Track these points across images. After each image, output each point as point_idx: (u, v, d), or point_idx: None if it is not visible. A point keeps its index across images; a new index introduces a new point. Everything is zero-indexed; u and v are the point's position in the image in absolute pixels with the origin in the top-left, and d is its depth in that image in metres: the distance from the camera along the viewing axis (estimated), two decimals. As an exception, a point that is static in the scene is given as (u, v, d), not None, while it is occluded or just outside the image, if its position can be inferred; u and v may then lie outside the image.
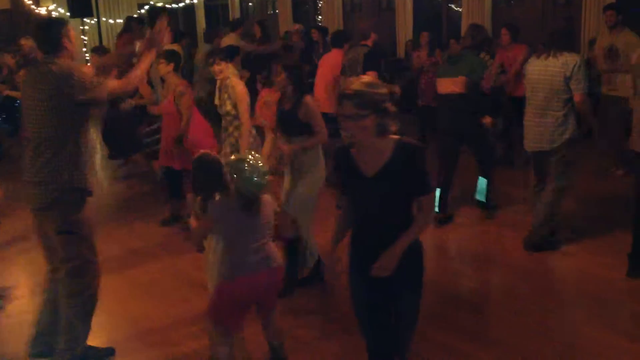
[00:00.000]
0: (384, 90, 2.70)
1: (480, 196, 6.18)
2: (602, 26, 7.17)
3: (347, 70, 7.11)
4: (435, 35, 10.54)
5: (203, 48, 10.13)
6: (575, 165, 5.38)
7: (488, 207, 6.18)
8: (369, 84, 2.69)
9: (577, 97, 4.99)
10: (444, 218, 6.08)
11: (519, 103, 6.13)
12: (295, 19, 14.36)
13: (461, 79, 5.73)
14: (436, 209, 5.89)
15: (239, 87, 5.44)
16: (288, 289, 4.55)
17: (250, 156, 3.43)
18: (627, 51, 6.50)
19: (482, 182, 6.14)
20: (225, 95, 5.48)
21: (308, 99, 4.52)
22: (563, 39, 5.16)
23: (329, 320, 4.37)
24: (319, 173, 4.65)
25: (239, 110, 5.41)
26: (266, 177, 3.41)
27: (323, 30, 9.77)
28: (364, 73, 6.50)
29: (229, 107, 5.47)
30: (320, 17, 13.78)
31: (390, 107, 2.70)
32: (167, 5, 16.24)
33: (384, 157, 2.73)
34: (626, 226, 4.98)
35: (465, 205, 6.42)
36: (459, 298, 4.68)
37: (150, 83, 7.66)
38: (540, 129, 5.12)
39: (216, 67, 5.44)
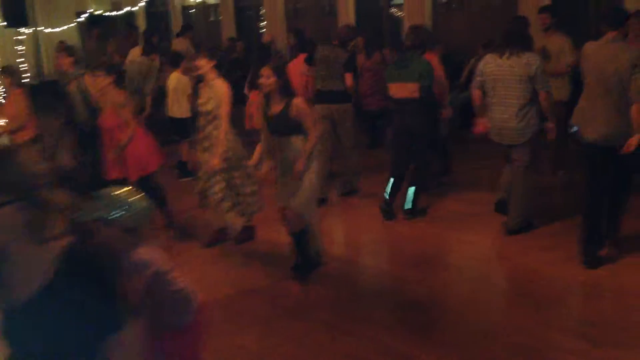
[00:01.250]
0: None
1: (407, 205, 6.27)
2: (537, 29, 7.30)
3: (324, 68, 6.92)
4: (377, 39, 10.66)
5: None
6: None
7: (414, 213, 6.28)
8: None
9: (542, 96, 5.25)
10: (388, 212, 6.29)
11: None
12: (238, 26, 14.27)
13: (414, 85, 5.98)
14: (386, 195, 6.30)
15: (224, 89, 5.45)
16: (304, 275, 5.02)
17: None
18: (559, 54, 6.66)
19: (411, 191, 6.26)
20: (208, 95, 5.47)
21: (298, 99, 4.76)
22: (519, 39, 5.36)
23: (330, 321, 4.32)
24: (317, 165, 4.91)
25: (221, 112, 5.41)
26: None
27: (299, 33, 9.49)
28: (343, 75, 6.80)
29: (210, 107, 5.46)
30: (263, 23, 13.71)
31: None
32: (106, 13, 16.01)
33: None
34: (572, 224, 5.07)
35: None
36: (404, 299, 4.67)
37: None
38: (504, 124, 5.37)
39: (198, 62, 5.51)
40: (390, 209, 6.29)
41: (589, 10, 9.26)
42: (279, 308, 4.61)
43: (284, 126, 4.78)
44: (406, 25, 10.52)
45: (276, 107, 4.78)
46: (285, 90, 4.76)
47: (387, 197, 6.28)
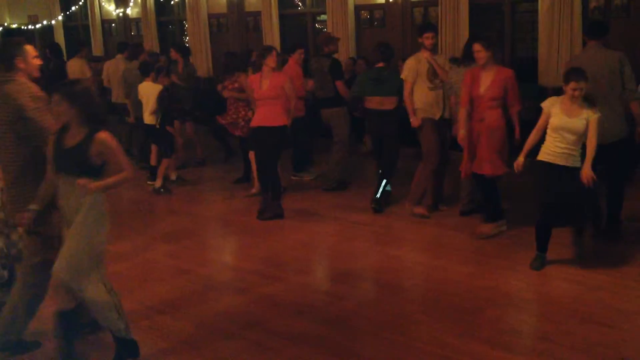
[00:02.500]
0: None
1: (377, 195, 6.90)
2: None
3: (316, 80, 7.83)
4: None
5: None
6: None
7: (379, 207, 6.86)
8: None
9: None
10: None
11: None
12: (161, 41, 14.08)
13: (393, 99, 6.77)
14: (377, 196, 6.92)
15: None
16: None
17: None
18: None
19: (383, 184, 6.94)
20: None
21: (104, 133, 3.79)
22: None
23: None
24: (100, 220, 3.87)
25: None
26: None
27: (183, 50, 9.62)
28: (333, 83, 7.58)
29: None
30: (186, 38, 13.59)
31: None
32: (22, 27, 15.48)
33: None
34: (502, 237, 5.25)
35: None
36: (331, 316, 4.68)
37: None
38: None
39: None
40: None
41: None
42: (206, 329, 4.53)
43: (77, 164, 3.75)
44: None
45: (71, 140, 3.79)
46: (88, 118, 3.80)
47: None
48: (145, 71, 8.09)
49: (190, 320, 4.65)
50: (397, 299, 4.90)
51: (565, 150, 5.03)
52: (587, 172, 4.91)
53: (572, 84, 4.92)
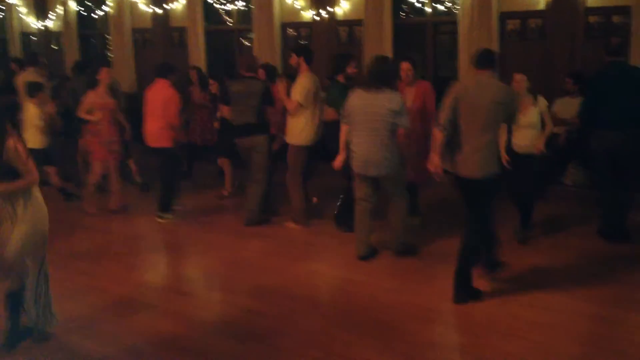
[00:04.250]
0: None
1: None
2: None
3: (241, 102, 6.91)
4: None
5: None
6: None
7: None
8: None
9: (401, 131, 5.61)
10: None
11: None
12: (83, 55, 13.71)
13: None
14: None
15: None
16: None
17: None
18: None
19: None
20: None
21: (14, 139, 4.09)
22: (383, 76, 5.64)
23: None
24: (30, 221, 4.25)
25: None
26: None
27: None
28: (261, 107, 6.87)
29: None
30: (109, 52, 13.29)
31: None
32: None
33: None
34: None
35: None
36: (246, 331, 4.60)
37: None
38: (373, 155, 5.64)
39: None
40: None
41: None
42: (119, 348, 4.37)
43: None
44: (255, 54, 10.64)
45: None
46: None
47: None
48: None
49: (103, 340, 4.49)
50: (315, 314, 4.88)
51: None
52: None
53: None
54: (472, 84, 5.03)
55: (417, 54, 9.73)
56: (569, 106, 7.70)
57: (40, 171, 7.71)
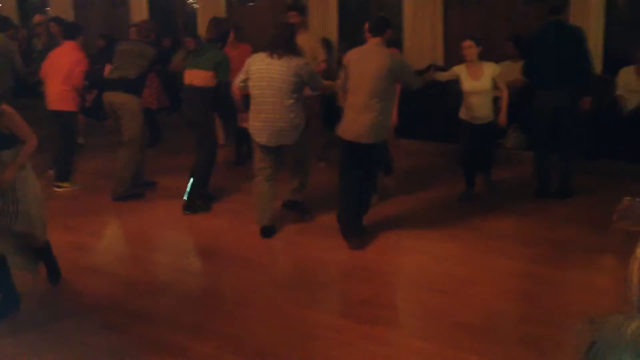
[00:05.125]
0: None
1: (185, 195, 6.17)
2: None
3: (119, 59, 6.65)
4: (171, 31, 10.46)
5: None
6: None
7: (191, 208, 6.16)
8: None
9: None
10: (189, 206, 6.14)
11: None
12: (22, 11, 13.24)
13: (206, 74, 5.98)
14: (185, 197, 6.15)
15: None
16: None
17: None
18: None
19: (191, 182, 6.16)
20: None
21: (5, 106, 4.10)
22: (285, 43, 5.37)
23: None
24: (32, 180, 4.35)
25: None
26: None
27: (60, 22, 8.87)
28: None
29: None
30: (49, 9, 12.85)
31: None
32: None
33: None
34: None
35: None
36: (184, 292, 4.59)
37: None
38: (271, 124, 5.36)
39: None
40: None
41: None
42: (51, 310, 4.32)
43: None
44: (200, 18, 10.45)
45: None
46: None
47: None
48: None
49: (36, 301, 4.43)
50: (252, 274, 4.89)
51: None
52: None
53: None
54: (361, 50, 5.21)
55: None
56: (509, 70, 7.81)
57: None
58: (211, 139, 6.31)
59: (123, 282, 4.77)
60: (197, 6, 11.02)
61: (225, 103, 6.21)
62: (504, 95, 6.09)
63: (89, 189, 7.00)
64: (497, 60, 8.09)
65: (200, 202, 6.21)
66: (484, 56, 6.19)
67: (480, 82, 5.94)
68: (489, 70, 5.99)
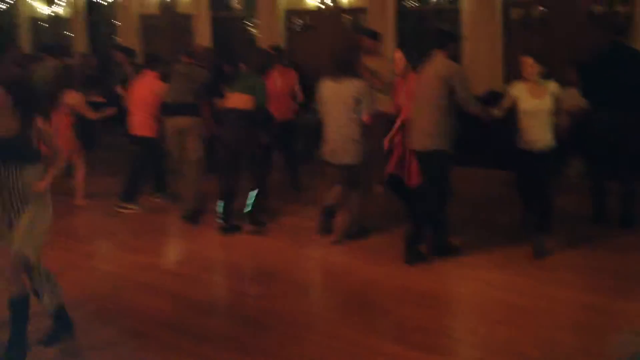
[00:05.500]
0: None
1: (247, 209, 6.39)
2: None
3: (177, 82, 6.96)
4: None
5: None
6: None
7: (255, 221, 6.39)
8: None
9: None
10: (228, 227, 6.32)
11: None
12: (91, 41, 13.81)
13: (247, 97, 6.18)
14: (220, 220, 6.35)
15: None
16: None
17: None
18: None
19: (251, 195, 6.38)
20: None
21: (40, 120, 3.99)
22: (343, 66, 5.76)
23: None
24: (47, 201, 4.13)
25: None
26: None
27: (127, 51, 9.31)
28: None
29: None
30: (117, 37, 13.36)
31: None
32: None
33: None
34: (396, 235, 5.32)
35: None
36: (234, 310, 4.67)
37: None
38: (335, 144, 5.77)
39: None
40: (231, 229, 6.36)
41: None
42: (116, 328, 4.47)
43: (18, 153, 3.89)
44: (261, 45, 10.68)
45: (9, 129, 3.85)
46: (25, 107, 3.88)
47: (223, 220, 6.37)
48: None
49: (100, 319, 4.59)
50: (309, 298, 4.96)
51: None
52: None
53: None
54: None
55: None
56: (571, 97, 7.69)
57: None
58: (260, 156, 6.50)
59: (183, 302, 4.88)
60: (258, 34, 11.27)
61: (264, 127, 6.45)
62: (563, 117, 5.78)
63: (151, 209, 7.23)
64: (559, 86, 8.04)
65: (260, 218, 6.43)
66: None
67: (543, 101, 5.45)
68: (552, 88, 5.51)
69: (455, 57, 5.61)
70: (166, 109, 6.96)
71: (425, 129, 5.35)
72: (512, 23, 8.87)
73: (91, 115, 7.46)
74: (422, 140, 5.38)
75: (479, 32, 8.92)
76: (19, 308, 3.92)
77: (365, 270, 5.42)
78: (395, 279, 5.19)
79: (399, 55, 5.95)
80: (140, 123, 7.19)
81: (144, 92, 7.19)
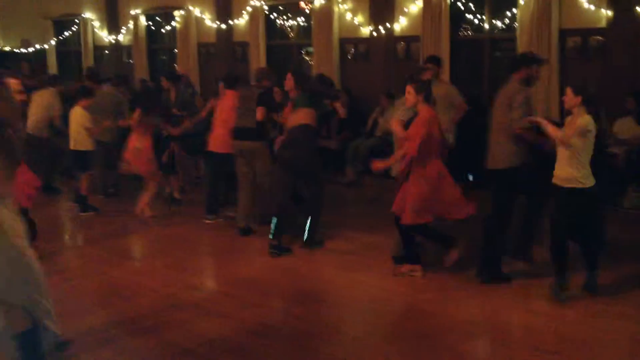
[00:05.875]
0: None
1: (305, 233, 6.57)
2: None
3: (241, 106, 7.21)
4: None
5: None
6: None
7: (311, 244, 6.59)
8: None
9: None
10: (280, 248, 6.45)
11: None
12: (151, 68, 14.25)
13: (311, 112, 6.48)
14: (270, 236, 6.46)
15: None
16: None
17: None
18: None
19: (308, 221, 6.56)
20: None
21: None
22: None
23: None
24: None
25: None
26: None
27: (173, 77, 9.62)
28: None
29: None
30: (176, 65, 13.76)
31: None
32: (15, 50, 15.66)
33: None
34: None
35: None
36: (286, 335, 4.69)
37: None
38: None
39: None
40: (281, 249, 6.47)
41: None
42: (169, 348, 4.53)
43: None
44: (315, 72, 10.83)
45: None
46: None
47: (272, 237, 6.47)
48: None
49: (151, 338, 4.66)
50: (358, 322, 4.93)
51: None
52: None
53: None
54: None
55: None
56: (629, 126, 7.55)
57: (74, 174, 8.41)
58: (320, 175, 6.67)
59: (233, 322, 4.93)
60: (313, 62, 11.43)
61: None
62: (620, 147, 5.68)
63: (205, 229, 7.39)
64: (617, 115, 7.89)
65: (316, 238, 6.63)
66: (607, 111, 5.98)
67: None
68: (580, 122, 4.90)
69: (529, 80, 5.56)
70: (235, 133, 7.16)
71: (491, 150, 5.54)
72: (568, 52, 8.75)
73: (174, 131, 8.02)
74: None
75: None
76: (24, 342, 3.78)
77: (414, 296, 5.38)
78: (443, 306, 5.13)
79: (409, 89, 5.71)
80: (219, 139, 7.40)
81: (226, 110, 7.40)
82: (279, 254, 6.40)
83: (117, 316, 4.99)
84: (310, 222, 6.58)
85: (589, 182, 4.98)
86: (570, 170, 4.96)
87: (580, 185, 4.96)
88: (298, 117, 6.47)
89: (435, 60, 7.05)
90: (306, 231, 6.58)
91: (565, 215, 5.07)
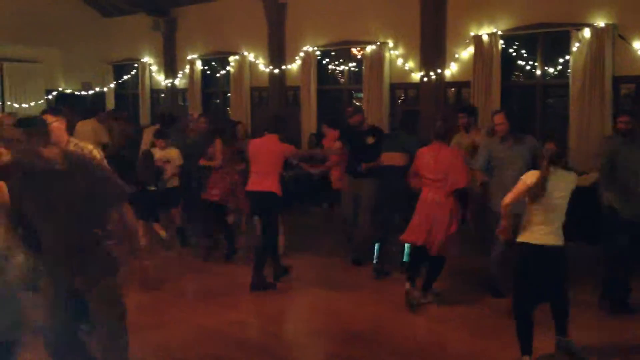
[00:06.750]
0: None
1: (406, 257, 6.83)
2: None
3: None
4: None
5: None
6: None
7: (380, 272, 7.02)
8: None
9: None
10: (382, 271, 7.01)
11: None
12: (205, 111, 14.59)
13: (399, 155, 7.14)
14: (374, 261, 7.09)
15: None
16: None
17: None
18: None
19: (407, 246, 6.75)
20: None
21: None
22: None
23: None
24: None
25: None
26: None
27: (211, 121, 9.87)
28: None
29: None
30: (229, 109, 14.10)
31: None
32: (76, 92, 16.28)
33: None
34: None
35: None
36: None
37: None
38: None
39: None
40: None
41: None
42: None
43: None
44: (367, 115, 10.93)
45: None
46: None
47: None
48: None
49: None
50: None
51: None
52: None
53: None
54: None
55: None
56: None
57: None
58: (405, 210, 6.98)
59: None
60: (364, 107, 11.54)
61: None
62: None
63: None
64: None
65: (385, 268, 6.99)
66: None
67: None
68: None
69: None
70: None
71: None
72: (622, 98, 8.65)
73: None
74: None
75: (587, 108, 8.76)
76: None
77: (457, 339, 5.35)
78: (488, 351, 5.05)
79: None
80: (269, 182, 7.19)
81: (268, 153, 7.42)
82: (381, 276, 6.94)
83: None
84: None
85: None
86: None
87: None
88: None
89: (468, 110, 7.19)
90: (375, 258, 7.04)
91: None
